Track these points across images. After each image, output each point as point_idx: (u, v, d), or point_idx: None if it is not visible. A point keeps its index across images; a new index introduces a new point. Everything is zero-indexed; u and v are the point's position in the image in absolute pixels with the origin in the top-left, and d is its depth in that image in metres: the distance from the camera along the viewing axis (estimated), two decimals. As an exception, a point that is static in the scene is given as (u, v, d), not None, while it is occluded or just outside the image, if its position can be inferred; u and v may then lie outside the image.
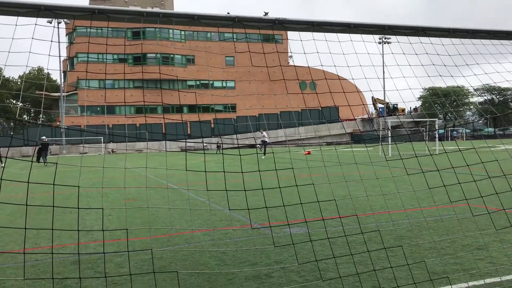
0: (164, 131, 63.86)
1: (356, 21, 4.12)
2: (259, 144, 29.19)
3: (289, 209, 7.97)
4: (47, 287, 4.56)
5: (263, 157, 24.34)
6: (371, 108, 71.83)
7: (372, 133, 62.23)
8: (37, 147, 30.62)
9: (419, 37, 4.51)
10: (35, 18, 3.56)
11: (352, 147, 39.78)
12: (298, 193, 4.19)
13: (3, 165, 28.14)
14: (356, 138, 59.96)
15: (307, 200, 8.61)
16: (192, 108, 69.29)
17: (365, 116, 70.85)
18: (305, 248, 5.53)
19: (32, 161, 2.58)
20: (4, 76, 65.48)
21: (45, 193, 10.89)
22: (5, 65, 3.32)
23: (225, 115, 69.54)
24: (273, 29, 4.09)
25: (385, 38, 57.98)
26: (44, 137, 32.62)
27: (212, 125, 63.44)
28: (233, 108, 72.03)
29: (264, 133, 29.37)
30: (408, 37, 4.51)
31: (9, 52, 3.40)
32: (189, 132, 62.09)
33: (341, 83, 5.21)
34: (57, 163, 3.96)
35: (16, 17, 3.55)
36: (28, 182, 2.66)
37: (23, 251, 3.41)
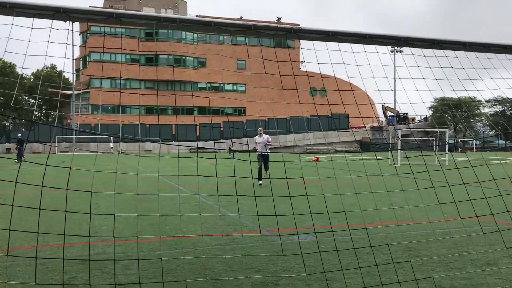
0: (173, 133, 64.14)
1: (371, 32, 4.13)
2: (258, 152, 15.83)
3: (296, 216, 7.96)
4: (55, 280, 4.59)
5: (259, 184, 13.79)
6: (381, 115, 71.60)
7: (381, 142, 62.03)
8: (16, 145, 31.10)
9: (434, 50, 4.51)
10: (51, 20, 3.62)
11: (362, 155, 39.64)
12: (308, 202, 4.18)
13: (23, 159, 28.65)
14: (365, 146, 59.73)
15: (315, 207, 8.59)
16: (202, 111, 69.49)
17: (375, 124, 70.62)
18: (312, 256, 5.51)
19: (46, 165, 2.61)
20: (17, 72, 66.24)
21: (54, 191, 10.97)
22: (22, 67, 3.36)
23: (234, 119, 69.69)
24: (287, 37, 4.11)
25: (397, 47, 57.82)
26: (19, 134, 33.42)
27: (222, 128, 63.58)
28: (243, 112, 72.16)
29: (266, 136, 15.07)
30: (423, 49, 4.51)
31: (25, 54, 3.44)
32: (198, 134, 62.28)
33: (353, 93, 5.21)
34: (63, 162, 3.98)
35: (32, 18, 3.60)
36: (42, 186, 2.69)
37: (35, 256, 3.43)
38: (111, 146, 56.48)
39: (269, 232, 7.19)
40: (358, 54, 4.52)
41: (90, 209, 2.80)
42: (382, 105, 67.58)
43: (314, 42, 4.31)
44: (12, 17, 3.29)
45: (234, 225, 7.76)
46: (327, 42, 4.29)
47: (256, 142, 15.09)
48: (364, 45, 4.41)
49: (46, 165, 2.61)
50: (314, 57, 4.69)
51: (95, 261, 5.33)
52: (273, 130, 61.64)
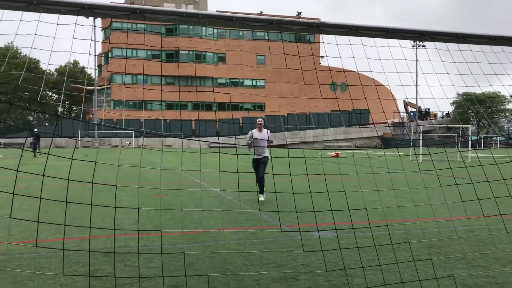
0: (193, 128, 64.54)
1: (395, 26, 4.08)
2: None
3: (317, 212, 7.95)
4: (79, 272, 4.68)
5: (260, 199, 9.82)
6: (402, 111, 70.69)
7: (403, 138, 61.29)
8: (32, 140, 31.69)
9: (458, 44, 4.43)
10: (72, 16, 3.67)
11: (384, 151, 39.24)
12: (329, 198, 4.17)
13: (37, 153, 29.31)
14: (386, 142, 59.10)
15: (336, 203, 8.55)
16: (222, 106, 69.69)
17: (397, 120, 69.78)
18: (332, 252, 5.50)
19: (72, 158, 2.66)
20: (41, 68, 67.42)
21: (76, 185, 11.18)
22: (48, 63, 3.42)
23: (254, 114, 69.72)
24: (309, 32, 4.09)
25: (419, 42, 56.86)
26: (35, 129, 34.21)
27: (241, 124, 63.68)
28: (262, 107, 72.12)
29: (266, 132, 10.42)
30: (447, 43, 4.43)
31: (51, 51, 3.50)
32: (217, 129, 62.51)
33: (375, 88, 5.15)
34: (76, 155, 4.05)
35: (58, 14, 3.66)
36: (68, 180, 2.75)
37: (62, 248, 3.51)
38: (128, 142, 57.16)
39: (289, 228, 7.20)
40: (378, 48, 4.47)
41: (115, 202, 2.85)
42: (404, 100, 66.70)
43: (335, 36, 4.29)
44: (39, 13, 3.35)
45: (253, 220, 7.79)
46: (349, 37, 4.26)
47: (253, 141, 10.06)
48: (387, 39, 4.36)
49: (72, 159, 2.66)
50: (335, 51, 4.66)
51: (118, 253, 5.42)
52: (293, 125, 61.50)
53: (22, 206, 8.86)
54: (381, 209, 8.49)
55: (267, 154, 9.93)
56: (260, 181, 9.76)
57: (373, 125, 61.06)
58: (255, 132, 10.13)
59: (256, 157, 9.98)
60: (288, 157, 3.47)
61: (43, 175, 2.80)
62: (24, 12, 3.55)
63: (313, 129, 63.04)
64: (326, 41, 4.39)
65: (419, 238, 6.40)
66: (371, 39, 4.37)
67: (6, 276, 4.66)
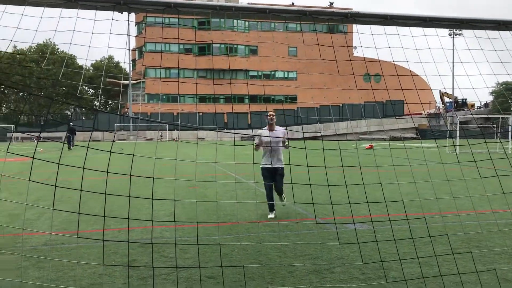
0: (226, 121, 64.90)
1: (432, 14, 3.96)
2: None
3: (351, 205, 7.88)
4: (117, 262, 4.81)
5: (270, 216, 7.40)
6: (438, 101, 68.88)
7: (439, 129, 59.80)
8: (67, 134, 32.49)
9: (500, 31, 4.27)
10: (106, 12, 3.74)
11: (422, 142, 38.43)
12: (365, 191, 4.12)
13: (72, 147, 30.22)
14: (422, 133, 57.83)
15: (371, 195, 8.44)
16: (253, 99, 69.72)
17: (432, 111, 68.13)
18: (367, 245, 5.44)
19: (111, 152, 2.72)
20: (77, 64, 69.12)
21: (114, 177, 11.45)
22: (86, 59, 3.49)
23: (286, 106, 69.42)
24: (343, 22, 4.03)
25: (456, 30, 55.18)
26: (71, 124, 35.15)
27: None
28: (294, 99, 71.75)
29: (280, 130, 7.55)
30: (487, 31, 4.28)
31: (89, 46, 3.58)
32: (249, 122, 62.61)
33: (411, 78, 5.05)
34: (89, 147, 4.14)
35: (94, 10, 3.74)
36: (107, 172, 2.82)
37: (102, 238, 3.61)
38: (161, 135, 58.09)
39: (323, 220, 7.17)
40: (413, 37, 4.36)
41: (152, 194, 2.90)
42: (440, 90, 64.97)
43: (370, 26, 4.21)
44: (76, 10, 3.42)
45: (287, 213, 7.79)
46: (384, 26, 4.18)
47: (260, 141, 7.57)
48: (424, 28, 4.25)
49: (110, 152, 2.72)
50: (368, 41, 4.58)
51: (155, 244, 5.53)
52: (326, 117, 60.94)
53: (62, 198, 9.15)
54: (417, 201, 8.34)
55: (281, 161, 7.45)
56: (270, 195, 7.38)
57: (408, 116, 59.82)
58: (264, 132, 7.52)
59: (266, 165, 7.33)
60: (323, 149, 3.43)
61: (83, 168, 2.88)
62: (58, 9, 3.64)
63: (346, 120, 62.29)
64: (361, 31, 4.32)
65: (456, 231, 6.25)
66: (407, 28, 4.27)
67: (48, 266, 4.84)
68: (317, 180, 10.96)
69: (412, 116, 59.83)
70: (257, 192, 10.31)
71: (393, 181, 8.11)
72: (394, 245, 5.20)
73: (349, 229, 6.36)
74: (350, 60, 3.94)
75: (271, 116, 7.38)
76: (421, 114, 61.74)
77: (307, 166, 3.48)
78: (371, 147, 30.46)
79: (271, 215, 7.40)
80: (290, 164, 3.44)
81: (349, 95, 67.80)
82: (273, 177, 7.35)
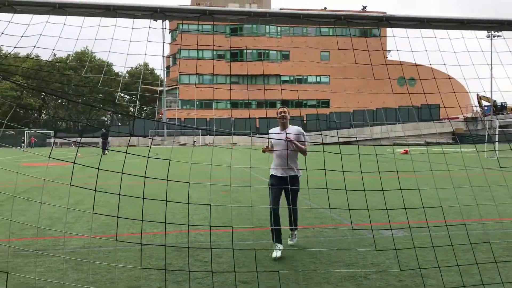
0: (257, 126, 65.07)
1: (470, 16, 3.87)
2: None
3: (385, 210, 7.76)
4: (153, 266, 4.88)
5: (274, 256, 5.26)
6: (475, 105, 66.94)
7: (476, 133, 58.15)
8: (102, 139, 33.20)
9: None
10: (141, 20, 3.83)
11: (461, 147, 37.47)
12: (402, 196, 4.04)
13: (106, 152, 30.94)
14: (459, 138, 56.32)
15: (407, 201, 8.27)
16: (286, 104, 69.58)
17: (469, 115, 66.29)
18: (404, 252, 5.33)
19: (148, 157, 2.78)
20: (114, 71, 70.90)
21: (149, 182, 11.64)
22: (124, 66, 3.58)
23: (318, 111, 69.05)
24: (378, 26, 3.99)
25: (495, 32, 53.61)
26: (103, 129, 35.85)
27: (305, 121, 63.34)
28: (326, 103, 71.27)
29: (295, 130, 5.75)
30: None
31: (127, 54, 3.67)
32: (282, 127, 62.53)
33: (448, 81, 4.93)
34: (126, 152, 4.21)
35: (132, 19, 3.83)
36: (144, 177, 2.87)
37: (140, 242, 3.68)
38: (195, 140, 58.81)
39: (357, 226, 7.07)
40: (447, 40, 4.27)
41: (188, 199, 2.94)
42: (477, 94, 63.17)
43: (406, 29, 4.15)
44: (115, 18, 3.52)
45: (321, 218, 7.73)
46: (421, 29, 4.11)
47: (271, 145, 5.83)
48: (462, 31, 4.16)
49: (148, 157, 2.78)
50: (403, 45, 4.51)
51: (190, 248, 5.59)
52: (359, 122, 60.22)
53: (99, 202, 9.37)
54: (456, 207, 8.12)
55: (296, 169, 5.65)
56: (276, 220, 5.37)
57: (445, 120, 58.42)
58: (274, 132, 5.93)
59: (276, 172, 5.62)
60: (359, 154, 3.40)
61: (122, 173, 2.95)
62: (97, 18, 3.75)
63: (381, 125, 61.38)
64: (396, 34, 4.26)
65: (498, 238, 6.05)
66: (443, 30, 4.19)
67: (86, 268, 4.96)
68: (350, 185, 10.84)
69: (450, 120, 58.39)
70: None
71: (431, 187, 7.93)
72: (432, 253, 5.08)
73: (385, 236, 6.25)
74: (386, 64, 3.89)
75: (283, 114, 5.69)
76: (458, 118, 60.18)
77: (343, 171, 3.44)
78: (406, 152, 29.88)
79: (275, 253, 5.28)
80: (325, 169, 3.41)
81: (383, 99, 66.84)
82: (279, 188, 5.45)
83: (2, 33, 3.57)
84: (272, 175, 5.68)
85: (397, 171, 3.60)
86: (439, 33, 4.21)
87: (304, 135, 5.75)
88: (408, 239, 5.95)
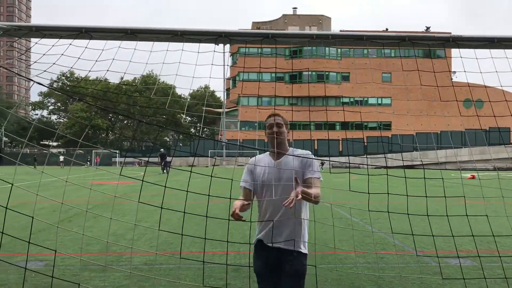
0: (316, 147, 64.64)
1: (545, 35, 3.69)
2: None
3: (450, 238, 7.39)
4: (213, 285, 4.93)
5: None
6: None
7: (552, 158, 54.42)
8: (161, 160, 34.15)
9: None
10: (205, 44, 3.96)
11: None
12: (469, 223, 3.85)
13: (165, 172, 31.77)
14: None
15: (474, 229, 7.86)
16: (345, 125, 68.83)
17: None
18: (471, 282, 5.05)
19: (211, 176, 2.85)
20: (176, 93, 73.47)
21: (211, 201, 11.84)
22: (190, 88, 3.71)
23: (379, 133, 67.58)
24: (444, 46, 3.89)
25: None
26: (162, 150, 36.66)
27: (366, 143, 62.14)
28: (388, 126, 69.69)
29: (297, 154, 3.12)
30: None
31: (193, 77, 3.80)
32: (340, 149, 61.82)
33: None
34: (191, 171, 4.28)
35: (198, 43, 3.98)
36: (208, 196, 2.93)
37: (203, 260, 3.75)
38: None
39: (420, 253, 6.79)
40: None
41: (251, 217, 2.97)
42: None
43: (475, 50, 4.01)
44: (182, 43, 3.68)
45: (382, 244, 7.49)
46: (490, 50, 3.95)
47: (249, 185, 3.30)
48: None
49: (211, 176, 2.85)
50: (470, 65, 4.35)
51: (248, 267, 5.59)
52: (424, 145, 58.20)
53: (161, 220, 9.63)
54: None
55: (301, 233, 3.20)
56: None
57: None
58: (262, 161, 3.31)
59: (263, 237, 3.12)
60: (424, 178, 3.29)
61: (187, 191, 3.04)
62: (165, 43, 3.93)
63: (446, 148, 59.01)
64: (462, 55, 4.12)
65: None
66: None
67: (147, 285, 5.09)
68: (416, 210, 10.46)
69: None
70: (349, 221, 10.06)
71: (500, 214, 7.51)
72: (504, 284, 4.78)
73: (450, 265, 5.96)
74: (453, 86, 3.77)
75: (275, 120, 3.47)
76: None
77: (407, 195, 3.35)
78: (473, 177, 28.47)
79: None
80: (388, 193, 3.33)
81: (448, 122, 64.36)
82: (272, 276, 3.09)
83: (79, 58, 3.83)
84: (259, 240, 3.13)
85: (464, 196, 3.45)
86: (510, 53, 4.03)
87: (315, 164, 3.14)
88: (477, 269, 5.63)
